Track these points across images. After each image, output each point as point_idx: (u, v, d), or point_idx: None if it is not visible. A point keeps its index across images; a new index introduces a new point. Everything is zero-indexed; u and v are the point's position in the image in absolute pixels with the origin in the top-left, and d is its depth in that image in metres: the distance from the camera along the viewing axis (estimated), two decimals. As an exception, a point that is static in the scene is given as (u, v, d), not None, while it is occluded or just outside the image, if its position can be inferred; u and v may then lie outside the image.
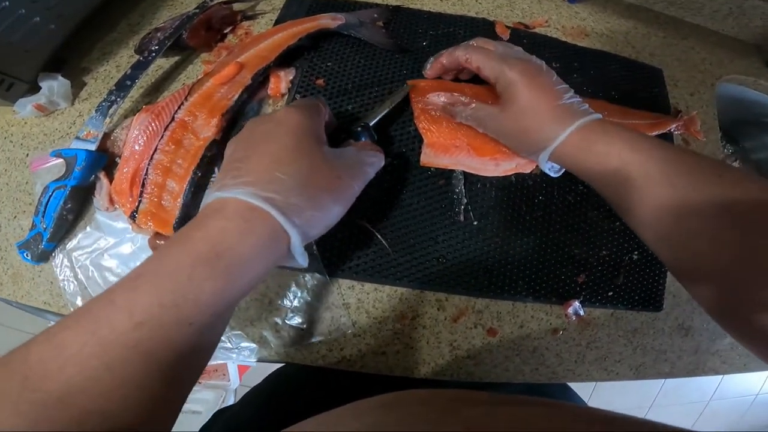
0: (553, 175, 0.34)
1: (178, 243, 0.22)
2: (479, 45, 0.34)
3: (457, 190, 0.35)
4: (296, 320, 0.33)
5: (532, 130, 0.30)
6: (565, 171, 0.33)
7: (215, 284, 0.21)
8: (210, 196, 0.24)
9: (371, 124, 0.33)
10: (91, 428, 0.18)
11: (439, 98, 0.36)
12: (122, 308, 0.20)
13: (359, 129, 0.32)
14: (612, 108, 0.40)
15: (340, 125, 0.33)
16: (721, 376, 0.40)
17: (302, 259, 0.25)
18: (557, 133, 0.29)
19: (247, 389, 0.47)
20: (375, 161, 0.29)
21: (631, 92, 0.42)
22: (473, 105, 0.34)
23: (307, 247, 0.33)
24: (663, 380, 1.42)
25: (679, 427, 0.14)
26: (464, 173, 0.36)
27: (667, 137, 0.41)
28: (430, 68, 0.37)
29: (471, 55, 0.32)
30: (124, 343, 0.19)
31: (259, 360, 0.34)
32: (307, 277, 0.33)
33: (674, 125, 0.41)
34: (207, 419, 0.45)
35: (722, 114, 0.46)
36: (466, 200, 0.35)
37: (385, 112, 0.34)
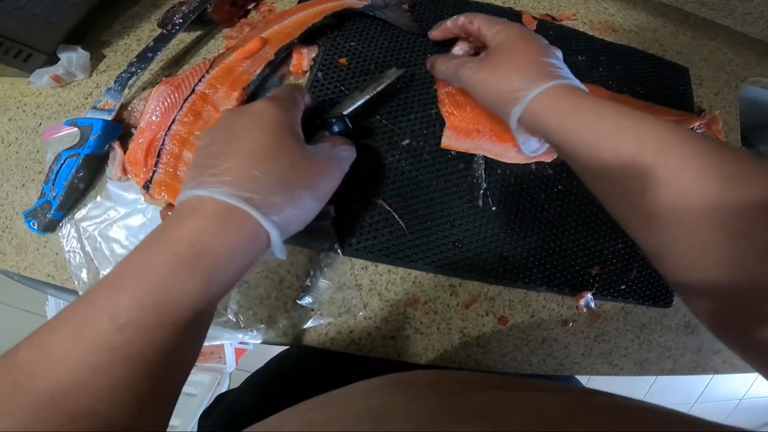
0: (526, 152, 0.32)
1: (157, 241, 0.22)
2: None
3: (477, 175, 0.35)
4: (307, 300, 0.33)
5: (510, 77, 0.27)
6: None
7: (195, 285, 0.21)
8: (186, 192, 0.23)
9: (346, 113, 0.31)
10: (83, 428, 0.18)
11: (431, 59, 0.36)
12: (104, 310, 0.20)
13: (333, 120, 0.31)
14: (636, 103, 0.39)
15: (315, 109, 0.32)
16: (709, 377, 0.40)
17: (281, 254, 0.25)
18: (535, 84, 0.26)
19: (244, 373, 0.47)
20: (349, 155, 0.29)
21: (656, 89, 0.42)
22: (457, 59, 0.33)
23: (324, 224, 0.33)
24: (653, 380, 1.43)
25: (683, 413, 0.14)
26: (485, 158, 0.35)
27: (689, 135, 0.41)
28: (436, 31, 0.36)
29: (474, 17, 0.32)
30: (108, 345, 0.19)
31: (266, 342, 0.33)
32: (321, 255, 0.33)
33: (697, 123, 0.41)
34: (202, 401, 0.45)
35: (741, 117, 0.45)
36: (485, 185, 0.35)
37: (364, 100, 0.32)
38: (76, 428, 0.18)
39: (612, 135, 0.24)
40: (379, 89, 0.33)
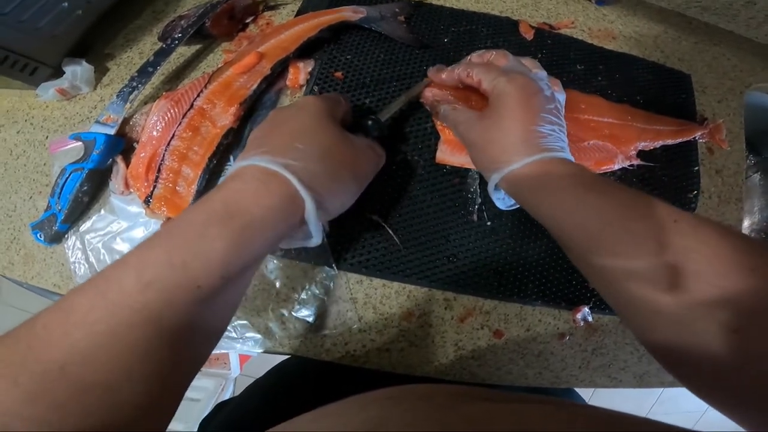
0: (501, 207, 0.32)
1: (196, 205, 0.22)
2: (490, 59, 0.32)
3: (472, 190, 0.35)
4: (303, 312, 0.33)
5: (496, 144, 0.28)
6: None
7: (226, 243, 0.21)
8: (233, 166, 0.25)
9: (383, 120, 0.33)
10: (91, 402, 0.17)
11: (431, 93, 0.35)
12: (133, 267, 0.19)
13: (370, 123, 0.32)
14: (636, 113, 0.39)
15: (354, 120, 0.33)
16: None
17: (315, 230, 0.25)
18: (516, 158, 0.27)
19: (248, 379, 0.47)
20: (383, 156, 0.31)
21: (657, 97, 0.41)
22: (456, 107, 0.32)
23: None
24: (661, 389, 1.41)
25: (679, 426, 0.14)
26: (479, 173, 0.35)
27: (691, 145, 0.40)
28: (432, 74, 0.35)
29: (472, 69, 0.31)
30: (131, 305, 0.18)
31: (263, 351, 0.34)
32: (317, 269, 0.33)
33: (699, 133, 0.40)
34: (206, 407, 0.45)
35: (747, 123, 0.44)
36: (480, 200, 0.35)
37: (398, 107, 0.34)
38: (84, 401, 0.17)
39: (575, 210, 0.25)
40: (411, 97, 0.35)
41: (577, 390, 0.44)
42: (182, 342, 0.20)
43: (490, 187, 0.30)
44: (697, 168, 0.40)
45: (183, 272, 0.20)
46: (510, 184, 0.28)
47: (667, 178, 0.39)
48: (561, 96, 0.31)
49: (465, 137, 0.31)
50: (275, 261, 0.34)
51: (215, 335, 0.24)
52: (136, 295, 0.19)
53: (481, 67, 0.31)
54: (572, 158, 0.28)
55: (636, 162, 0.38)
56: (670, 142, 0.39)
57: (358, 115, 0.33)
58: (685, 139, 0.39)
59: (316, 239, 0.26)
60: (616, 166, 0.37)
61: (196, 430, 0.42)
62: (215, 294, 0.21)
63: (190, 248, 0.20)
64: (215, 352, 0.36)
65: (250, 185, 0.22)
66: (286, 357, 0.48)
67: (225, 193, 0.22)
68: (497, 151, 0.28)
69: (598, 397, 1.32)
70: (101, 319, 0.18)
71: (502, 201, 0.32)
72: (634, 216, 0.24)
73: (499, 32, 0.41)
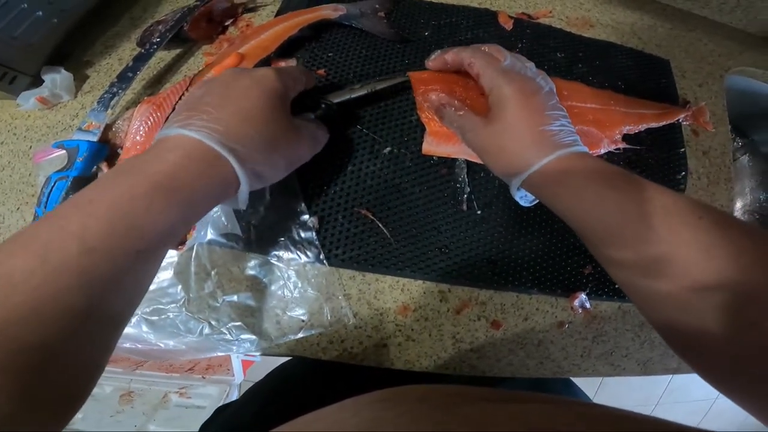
0: (525, 204, 0.32)
1: (135, 172, 0.22)
2: (489, 52, 0.32)
3: (460, 179, 0.35)
4: (297, 311, 0.33)
5: (510, 150, 0.28)
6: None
7: (168, 217, 0.22)
8: (172, 130, 0.24)
9: (336, 101, 0.33)
10: (27, 361, 0.18)
11: (436, 96, 0.34)
12: (75, 235, 0.19)
13: (323, 107, 0.33)
14: (618, 98, 0.39)
15: (305, 95, 0.32)
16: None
17: (243, 204, 0.27)
18: (534, 160, 0.27)
19: (252, 385, 0.47)
20: (324, 140, 0.32)
21: (638, 82, 0.42)
22: (462, 112, 0.32)
23: (309, 237, 0.33)
24: (670, 378, 1.41)
25: (683, 425, 0.14)
26: (467, 162, 0.35)
27: (675, 127, 0.41)
28: (433, 61, 0.35)
29: (475, 60, 0.31)
30: (72, 270, 0.19)
31: (261, 353, 0.33)
32: (308, 267, 0.33)
33: (683, 115, 0.40)
34: (210, 415, 0.45)
35: (732, 107, 0.45)
36: (469, 189, 0.35)
37: (358, 95, 0.34)
38: (20, 360, 0.17)
39: (596, 205, 0.26)
40: (378, 88, 0.34)
41: (584, 381, 0.44)
42: (115, 300, 0.21)
43: (513, 190, 0.30)
44: (683, 150, 0.40)
45: (126, 240, 0.20)
46: (531, 185, 0.29)
47: (654, 160, 0.39)
48: (551, 85, 0.31)
49: (474, 144, 0.31)
50: (266, 261, 0.33)
51: (147, 285, 0.25)
52: (78, 259, 0.19)
53: (484, 59, 0.31)
54: (586, 149, 0.28)
55: (621, 146, 0.38)
56: (653, 125, 0.39)
57: (312, 90, 0.33)
58: (668, 122, 0.40)
59: (243, 207, 0.27)
60: (602, 151, 0.37)
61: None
62: (150, 258, 0.23)
63: (134, 219, 0.21)
64: (217, 356, 0.35)
65: (196, 164, 0.23)
66: (287, 359, 0.47)
67: (170, 168, 0.22)
68: (512, 156, 0.28)
69: (605, 388, 1.31)
70: (42, 284, 0.18)
71: (525, 199, 0.32)
72: (653, 212, 0.24)
73: (479, 24, 0.42)
